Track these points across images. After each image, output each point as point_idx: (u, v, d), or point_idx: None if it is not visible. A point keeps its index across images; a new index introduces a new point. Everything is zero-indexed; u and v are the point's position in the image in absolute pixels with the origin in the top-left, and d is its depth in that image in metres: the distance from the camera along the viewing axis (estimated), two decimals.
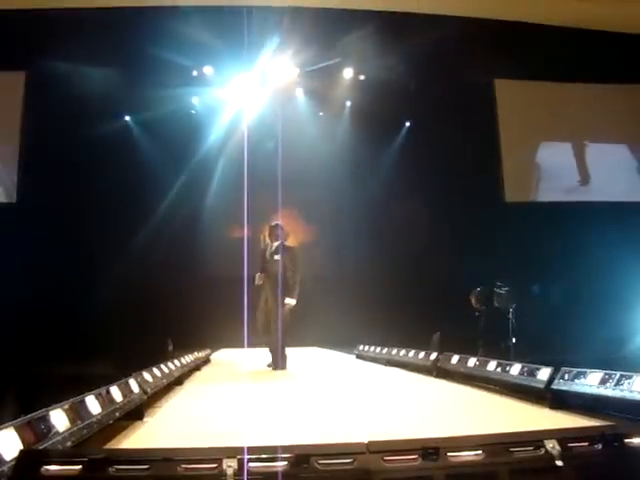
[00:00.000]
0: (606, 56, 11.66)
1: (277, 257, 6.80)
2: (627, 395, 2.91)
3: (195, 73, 12.06)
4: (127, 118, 12.42)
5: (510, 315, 8.59)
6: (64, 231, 10.73)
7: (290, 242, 7.34)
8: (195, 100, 12.68)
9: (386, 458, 1.80)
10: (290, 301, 6.79)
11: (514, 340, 8.37)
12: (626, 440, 1.97)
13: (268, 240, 7.04)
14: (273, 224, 7.06)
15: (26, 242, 10.55)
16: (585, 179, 13.19)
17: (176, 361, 5.55)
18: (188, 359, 6.45)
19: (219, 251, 11.90)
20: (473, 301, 9.00)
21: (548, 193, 13.13)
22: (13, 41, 10.57)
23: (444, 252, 11.57)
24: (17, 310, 9.68)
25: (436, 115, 11.77)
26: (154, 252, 11.60)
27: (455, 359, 5.26)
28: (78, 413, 2.46)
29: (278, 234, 6.98)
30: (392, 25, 10.79)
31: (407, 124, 13.19)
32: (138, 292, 10.88)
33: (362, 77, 12.46)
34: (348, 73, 12.43)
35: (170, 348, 8.01)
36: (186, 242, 12.08)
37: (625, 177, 13.10)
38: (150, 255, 11.48)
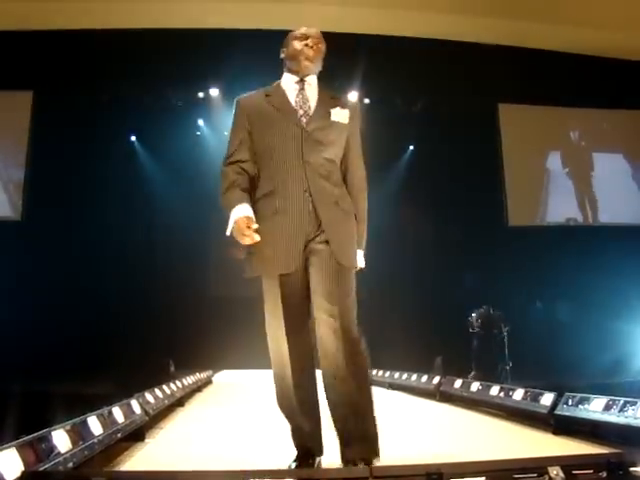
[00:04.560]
0: (610, 82, 11.75)
1: (335, 117, 2.72)
2: (632, 422, 2.89)
3: (201, 95, 12.15)
4: (133, 138, 12.48)
5: (504, 338, 8.58)
6: (67, 249, 10.74)
7: None
8: (200, 122, 12.75)
9: None
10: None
11: (510, 364, 8.35)
12: (631, 469, 1.95)
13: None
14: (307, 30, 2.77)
15: (30, 259, 10.56)
16: (588, 202, 13.20)
17: (178, 382, 5.53)
18: (190, 380, 6.43)
19: (222, 270, 11.86)
20: (468, 323, 8.98)
21: (551, 217, 13.13)
22: (21, 60, 10.69)
23: (446, 274, 11.57)
24: (18, 327, 9.65)
25: (440, 139, 11.84)
26: (156, 271, 11.62)
27: (458, 383, 5.23)
28: (80, 434, 2.45)
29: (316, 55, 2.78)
30: (397, 49, 10.89)
31: (411, 147, 13.23)
32: (140, 311, 10.86)
33: (367, 100, 12.52)
34: (353, 96, 12.48)
35: (172, 369, 7.99)
36: (189, 261, 12.09)
37: (628, 200, 13.10)
38: (152, 274, 11.50)
